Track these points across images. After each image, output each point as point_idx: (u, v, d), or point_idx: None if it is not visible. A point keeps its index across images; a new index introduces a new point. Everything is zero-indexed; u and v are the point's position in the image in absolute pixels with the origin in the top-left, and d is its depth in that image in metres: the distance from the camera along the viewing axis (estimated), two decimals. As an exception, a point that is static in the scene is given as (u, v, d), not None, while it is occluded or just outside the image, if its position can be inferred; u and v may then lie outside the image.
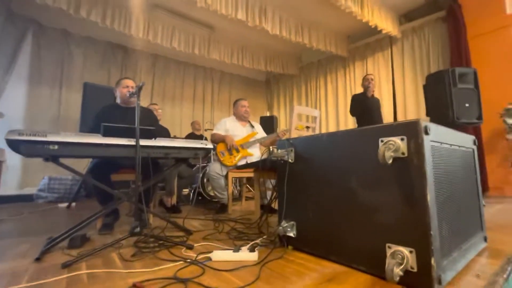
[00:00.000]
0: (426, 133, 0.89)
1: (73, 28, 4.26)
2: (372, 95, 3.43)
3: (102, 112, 2.09)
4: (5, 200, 3.47)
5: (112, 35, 4.37)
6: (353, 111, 3.55)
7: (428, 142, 0.90)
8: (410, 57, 4.21)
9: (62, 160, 1.44)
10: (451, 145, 1.10)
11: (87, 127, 2.87)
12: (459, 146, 1.18)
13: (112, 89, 2.33)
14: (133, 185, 2.57)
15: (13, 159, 3.56)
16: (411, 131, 0.91)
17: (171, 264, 1.16)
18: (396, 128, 0.95)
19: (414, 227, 0.88)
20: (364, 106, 3.39)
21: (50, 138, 1.29)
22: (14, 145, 1.24)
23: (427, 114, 2.80)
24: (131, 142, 1.52)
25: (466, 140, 1.27)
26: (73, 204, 3.22)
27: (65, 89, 4.21)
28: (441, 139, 1.01)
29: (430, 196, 0.86)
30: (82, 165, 3.41)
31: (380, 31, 3.94)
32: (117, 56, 4.78)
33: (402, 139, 0.93)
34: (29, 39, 3.97)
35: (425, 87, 2.86)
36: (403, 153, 0.92)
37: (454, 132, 1.16)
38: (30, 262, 1.23)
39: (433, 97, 2.70)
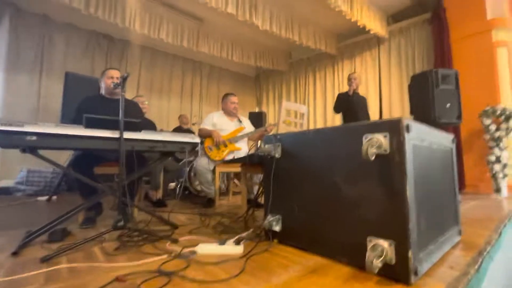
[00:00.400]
0: (408, 131, 0.92)
1: (54, 13, 4.06)
2: (357, 94, 3.52)
3: (85, 102, 2.02)
4: (-21, 193, 3.31)
5: (97, 23, 4.20)
6: (335, 109, 3.67)
7: (409, 140, 0.93)
8: (397, 57, 4.31)
9: (43, 152, 1.38)
10: (431, 143, 1.14)
11: (69, 118, 2.77)
12: (438, 145, 1.22)
13: (95, 79, 2.25)
14: (117, 178, 2.52)
15: (-12, 150, 3.39)
16: (394, 128, 0.93)
17: (156, 258, 1.15)
18: (380, 126, 0.98)
19: (394, 221, 0.92)
20: (347, 105, 3.48)
21: (27, 129, 1.24)
22: (-12, 134, 1.18)
23: (411, 113, 2.89)
24: (115, 134, 1.48)
25: (445, 139, 1.32)
26: (54, 197, 3.12)
27: (45, 77, 4.02)
28: (422, 137, 1.05)
29: (410, 192, 0.89)
30: (64, 157, 3.30)
31: (369, 30, 4.00)
32: (102, 45, 4.61)
33: (385, 136, 0.95)
34: (5, 24, 3.74)
35: (409, 87, 2.95)
36: (385, 150, 0.95)
37: (435, 130, 1.21)
38: (6, 257, 1.18)
39: (417, 96, 2.78)
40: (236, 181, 3.74)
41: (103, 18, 3.43)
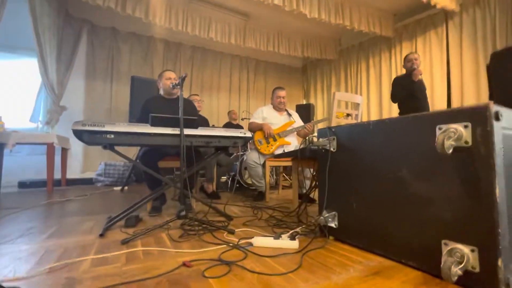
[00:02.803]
0: (497, 119, 0.78)
1: (120, 25, 4.57)
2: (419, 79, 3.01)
3: (148, 103, 2.23)
4: (70, 183, 3.98)
5: (154, 30, 4.61)
6: (395, 97, 3.10)
7: (499, 129, 0.79)
8: (470, 33, 3.69)
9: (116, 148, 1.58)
10: (526, 132, 0.95)
11: (135, 117, 3.12)
12: (536, 134, 1.01)
13: (156, 81, 2.47)
14: (177, 171, 2.74)
15: (76, 147, 4.05)
16: (478, 117, 0.80)
17: (215, 247, 1.23)
18: (459, 114, 0.85)
19: (477, 223, 0.80)
20: (409, 91, 2.96)
21: (107, 128, 1.42)
22: (79, 134, 1.39)
23: (491, 97, 2.44)
24: (176, 131, 1.60)
25: (545, 127, 1.09)
26: (126, 187, 3.56)
27: (115, 82, 4.59)
28: (514, 126, 0.88)
29: (500, 191, 0.76)
30: (131, 152, 3.74)
31: (434, 5, 3.50)
32: (158, 49, 5.03)
33: (465, 126, 0.82)
34: (84, 38, 4.37)
35: (489, 67, 2.49)
36: (466, 142, 0.82)
37: (531, 117, 1.00)
38: (95, 237, 1.40)
39: (500, 77, 2.33)
40: (285, 175, 3.73)
41: (159, 24, 3.74)
